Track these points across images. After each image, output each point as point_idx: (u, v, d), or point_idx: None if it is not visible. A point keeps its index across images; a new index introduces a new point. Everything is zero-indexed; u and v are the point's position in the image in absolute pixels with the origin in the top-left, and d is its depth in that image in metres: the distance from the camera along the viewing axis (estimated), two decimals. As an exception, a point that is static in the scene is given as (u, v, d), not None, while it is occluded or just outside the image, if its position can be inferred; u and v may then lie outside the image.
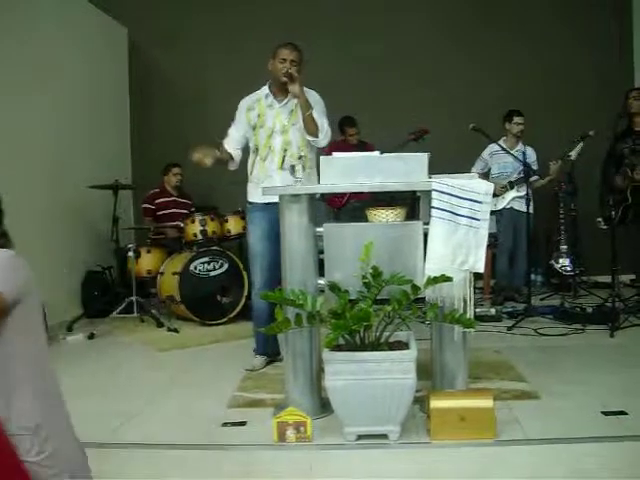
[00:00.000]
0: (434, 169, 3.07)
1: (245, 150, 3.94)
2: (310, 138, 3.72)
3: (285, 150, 3.77)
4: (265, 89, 3.85)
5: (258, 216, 3.81)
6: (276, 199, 3.61)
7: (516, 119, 5.70)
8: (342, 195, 5.98)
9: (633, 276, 5.61)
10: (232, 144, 3.88)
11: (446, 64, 6.75)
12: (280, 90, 3.77)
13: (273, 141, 3.78)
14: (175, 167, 6.35)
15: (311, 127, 3.68)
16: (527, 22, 6.80)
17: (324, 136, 3.71)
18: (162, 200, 6.33)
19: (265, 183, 3.71)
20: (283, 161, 3.76)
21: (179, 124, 6.70)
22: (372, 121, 6.27)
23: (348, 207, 6.07)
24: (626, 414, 2.91)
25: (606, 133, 4.76)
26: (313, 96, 3.78)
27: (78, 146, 5.75)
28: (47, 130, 5.25)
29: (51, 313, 4.70)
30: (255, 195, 3.81)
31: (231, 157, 3.88)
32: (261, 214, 3.79)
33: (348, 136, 6.22)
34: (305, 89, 3.74)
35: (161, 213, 6.29)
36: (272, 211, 3.68)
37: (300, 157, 3.73)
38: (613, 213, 4.82)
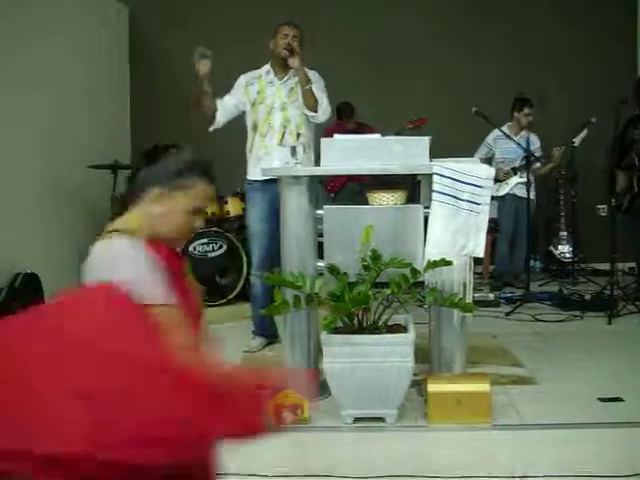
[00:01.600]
0: (436, 154, 3.06)
1: (238, 125, 3.91)
2: (309, 113, 3.70)
3: (285, 127, 3.75)
4: (266, 67, 3.86)
5: (258, 196, 3.81)
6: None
7: (526, 110, 5.57)
8: (338, 178, 5.94)
9: (632, 264, 5.59)
10: (221, 109, 3.84)
11: (448, 49, 6.66)
12: (281, 67, 3.77)
13: (273, 117, 3.77)
14: (172, 149, 6.33)
15: (310, 101, 3.65)
16: (532, 10, 6.74)
17: (323, 112, 3.69)
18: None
19: (264, 159, 3.74)
20: (283, 138, 3.75)
21: (180, 104, 6.63)
22: (372, 108, 6.20)
23: (346, 190, 6.05)
24: (622, 401, 2.92)
25: (609, 120, 4.71)
26: (313, 74, 3.77)
27: (77, 126, 5.70)
28: (46, 109, 5.20)
29: (48, 294, 4.71)
30: (254, 173, 3.80)
31: (214, 114, 3.81)
32: (261, 194, 3.79)
33: (346, 123, 6.18)
34: (305, 69, 3.72)
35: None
36: (272, 189, 3.63)
37: (298, 135, 3.72)
38: (614, 200, 4.80)
